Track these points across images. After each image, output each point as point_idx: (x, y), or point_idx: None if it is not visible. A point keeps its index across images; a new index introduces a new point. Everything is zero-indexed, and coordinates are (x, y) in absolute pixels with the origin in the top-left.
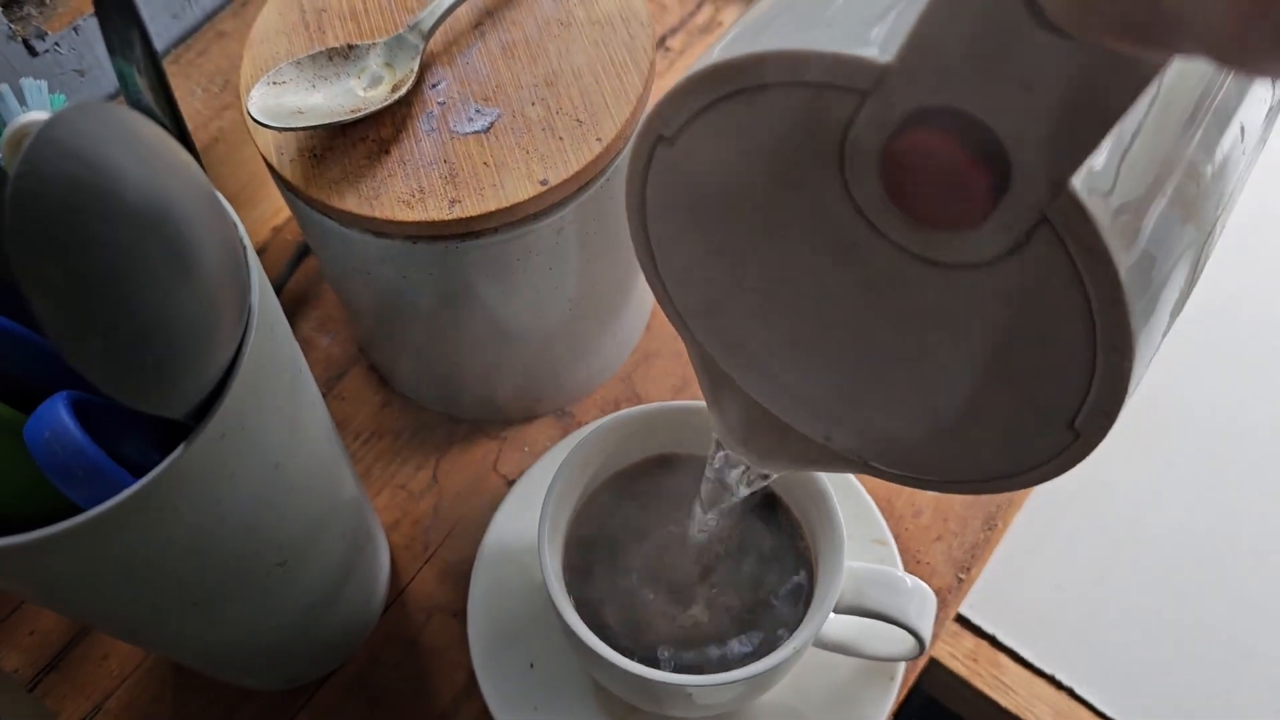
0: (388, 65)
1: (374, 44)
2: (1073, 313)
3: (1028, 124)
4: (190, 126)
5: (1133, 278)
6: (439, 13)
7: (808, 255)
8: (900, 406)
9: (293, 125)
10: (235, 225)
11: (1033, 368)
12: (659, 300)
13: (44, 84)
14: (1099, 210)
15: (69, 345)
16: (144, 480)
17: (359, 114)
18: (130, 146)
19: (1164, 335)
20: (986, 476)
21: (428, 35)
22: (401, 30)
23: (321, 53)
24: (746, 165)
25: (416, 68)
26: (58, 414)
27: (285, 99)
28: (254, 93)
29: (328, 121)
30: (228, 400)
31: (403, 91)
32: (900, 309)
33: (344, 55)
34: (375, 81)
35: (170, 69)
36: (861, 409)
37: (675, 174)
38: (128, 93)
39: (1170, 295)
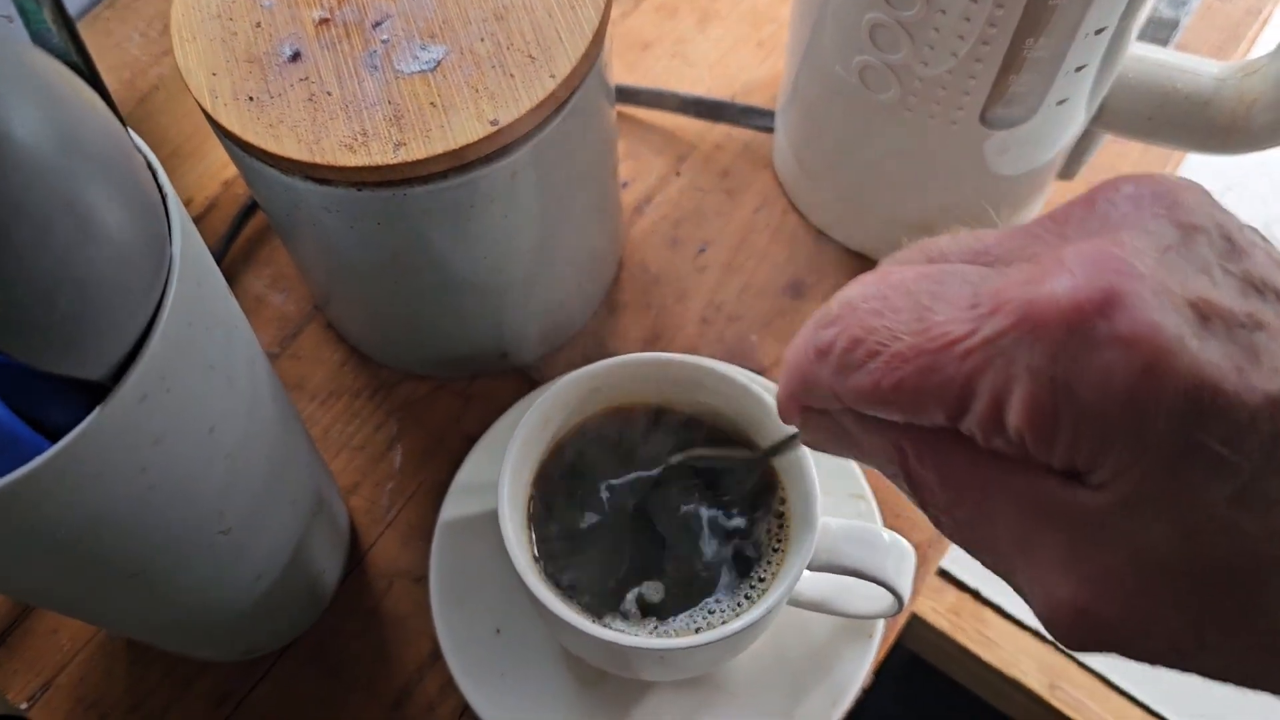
0: None
1: None
2: None
3: None
4: (128, 74)
5: None
6: None
7: None
8: None
9: None
10: (152, 168)
11: None
12: None
13: None
14: None
15: None
16: (58, 446)
17: None
18: (22, 83)
19: None
20: None
21: None
22: None
23: None
24: None
25: None
26: None
27: None
28: None
29: None
30: (146, 359)
31: None
32: None
33: None
34: None
35: (106, 14)
36: None
37: None
38: (32, 29)
39: None
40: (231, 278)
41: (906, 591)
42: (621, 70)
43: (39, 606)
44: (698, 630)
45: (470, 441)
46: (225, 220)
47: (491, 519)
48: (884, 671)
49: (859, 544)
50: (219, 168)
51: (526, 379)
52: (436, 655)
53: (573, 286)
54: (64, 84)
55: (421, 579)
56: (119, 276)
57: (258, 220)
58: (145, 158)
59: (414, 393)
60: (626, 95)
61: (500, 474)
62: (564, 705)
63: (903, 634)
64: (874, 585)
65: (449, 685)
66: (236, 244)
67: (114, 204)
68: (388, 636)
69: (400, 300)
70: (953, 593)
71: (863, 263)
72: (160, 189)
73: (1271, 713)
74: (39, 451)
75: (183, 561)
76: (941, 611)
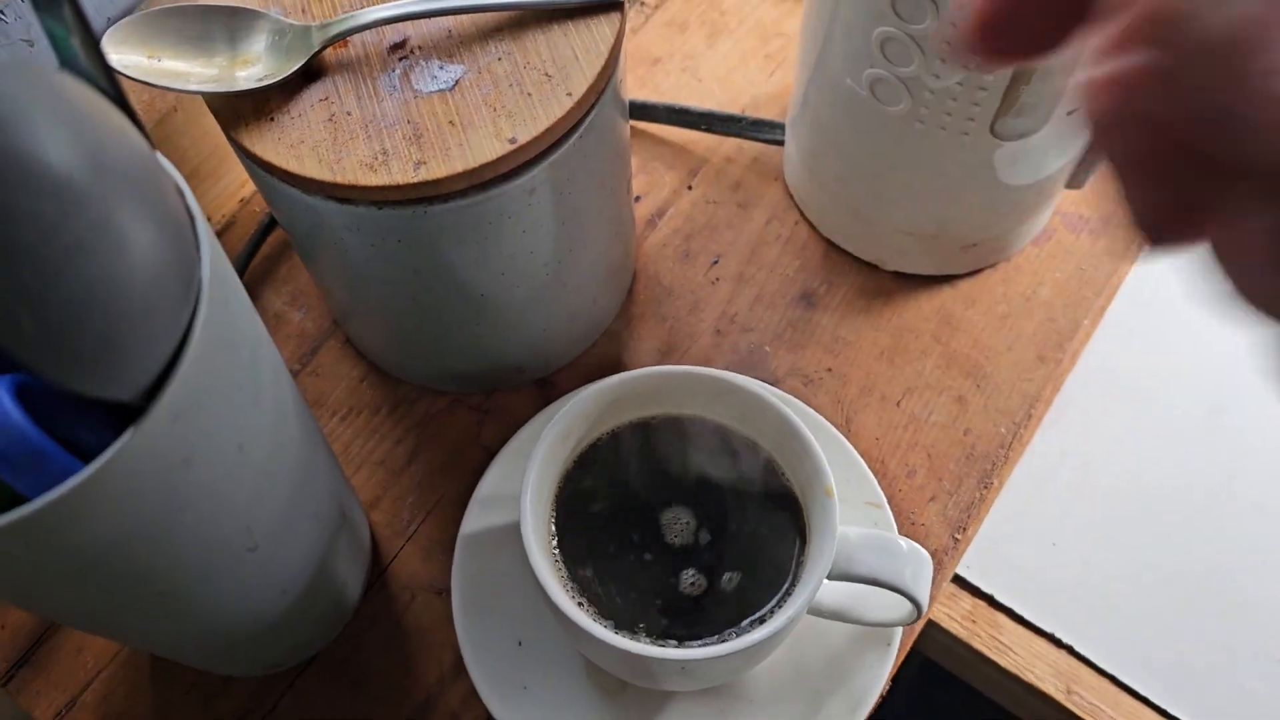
0: (270, 51)
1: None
2: None
3: None
4: (147, 95)
5: None
6: (351, 26)
7: None
8: None
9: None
10: (182, 193)
11: None
12: None
13: None
14: None
15: None
16: (92, 467)
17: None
18: (56, 110)
19: None
20: None
21: (328, 42)
22: (311, 24)
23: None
24: None
25: (298, 69)
26: None
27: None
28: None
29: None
30: (178, 380)
31: (267, 84)
32: None
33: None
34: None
35: None
36: None
37: None
38: (61, 55)
39: None
40: (251, 295)
41: (925, 599)
42: (632, 85)
43: (66, 625)
44: (719, 640)
45: (488, 455)
46: (243, 238)
47: (512, 531)
48: (900, 678)
49: (877, 552)
50: (237, 186)
51: (542, 393)
52: (459, 667)
53: (588, 300)
54: (94, 108)
55: (443, 591)
56: (150, 298)
57: (276, 238)
58: (174, 180)
59: (432, 407)
60: (638, 110)
61: (522, 486)
62: (586, 716)
63: (918, 640)
64: (892, 594)
65: (471, 697)
66: (255, 262)
67: (145, 226)
68: (410, 649)
69: (419, 316)
70: (968, 599)
71: (873, 272)
72: (189, 210)
73: None
74: (71, 473)
75: (210, 578)
76: (957, 618)
